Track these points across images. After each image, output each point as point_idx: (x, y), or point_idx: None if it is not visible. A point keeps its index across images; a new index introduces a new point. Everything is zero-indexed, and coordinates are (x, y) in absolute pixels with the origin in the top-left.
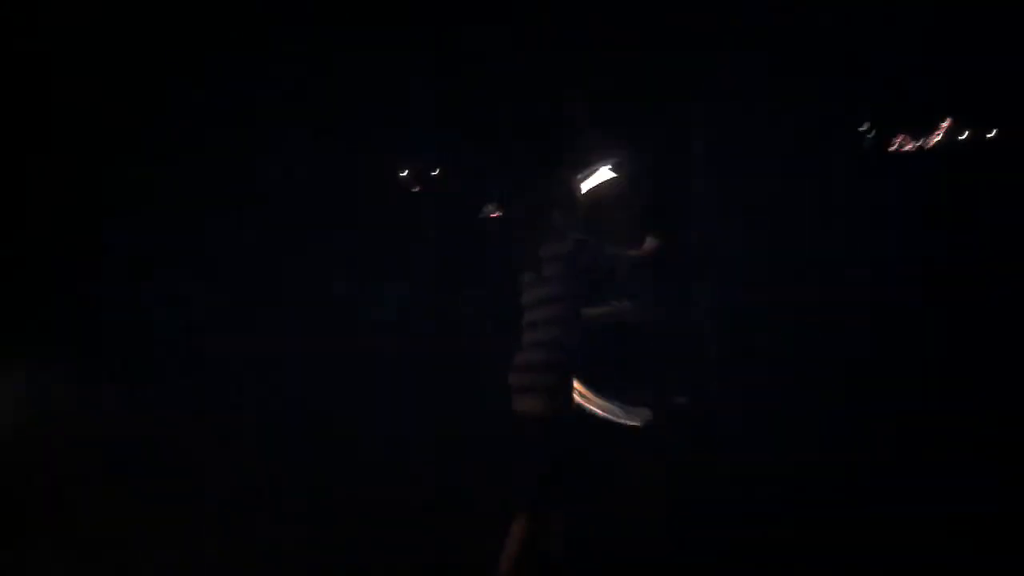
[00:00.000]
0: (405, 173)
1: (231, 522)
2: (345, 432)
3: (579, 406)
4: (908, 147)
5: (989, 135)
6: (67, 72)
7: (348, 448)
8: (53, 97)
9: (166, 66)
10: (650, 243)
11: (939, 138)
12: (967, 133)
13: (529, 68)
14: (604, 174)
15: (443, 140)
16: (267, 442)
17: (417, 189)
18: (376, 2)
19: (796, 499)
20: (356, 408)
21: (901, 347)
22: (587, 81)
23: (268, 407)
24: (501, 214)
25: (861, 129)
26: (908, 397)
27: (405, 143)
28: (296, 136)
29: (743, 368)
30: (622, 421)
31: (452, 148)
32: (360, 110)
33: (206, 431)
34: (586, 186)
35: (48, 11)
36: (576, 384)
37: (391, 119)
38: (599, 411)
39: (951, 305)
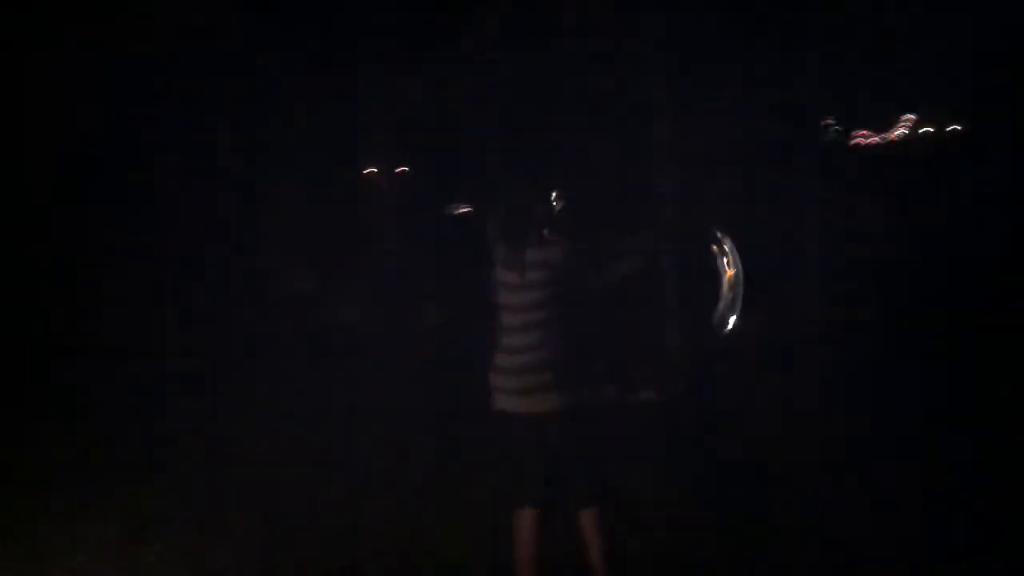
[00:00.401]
0: (371, 171)
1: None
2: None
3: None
4: (871, 141)
5: (952, 129)
6: None
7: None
8: None
9: (122, 72)
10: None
11: (902, 132)
12: (930, 128)
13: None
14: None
15: (409, 139)
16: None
17: (383, 187)
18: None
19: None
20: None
21: (864, 343)
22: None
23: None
24: (468, 212)
25: (826, 123)
26: (873, 393)
27: (370, 141)
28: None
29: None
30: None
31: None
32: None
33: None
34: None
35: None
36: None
37: (355, 116)
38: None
39: (907, 296)
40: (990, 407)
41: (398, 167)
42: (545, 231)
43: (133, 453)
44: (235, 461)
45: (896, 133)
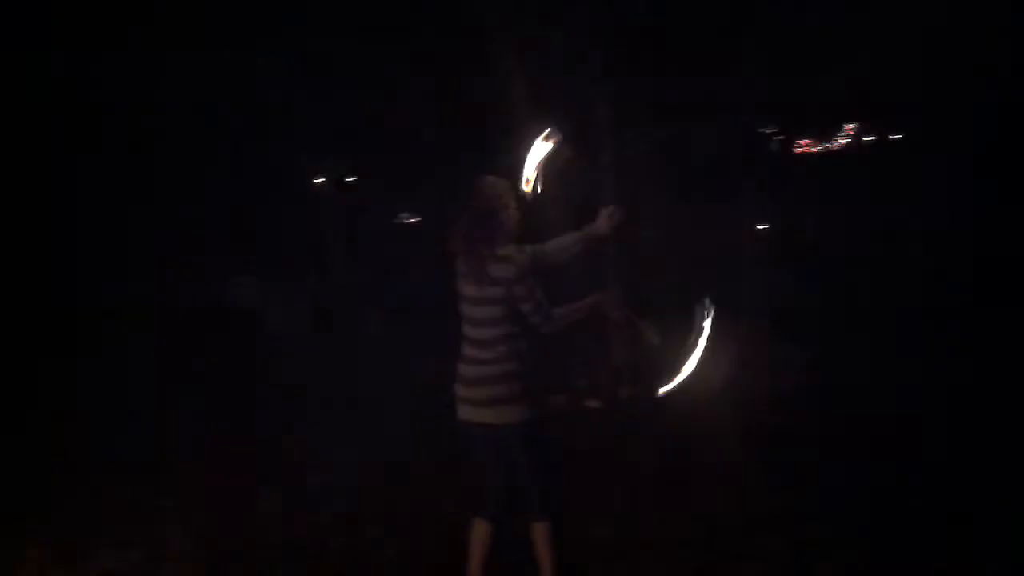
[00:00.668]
0: (321, 180)
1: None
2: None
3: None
4: (814, 149)
5: (894, 137)
6: None
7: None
8: None
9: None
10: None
11: (845, 141)
12: (872, 137)
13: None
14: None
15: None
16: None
17: (333, 195)
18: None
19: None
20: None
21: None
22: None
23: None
24: (417, 223)
25: (768, 131)
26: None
27: (321, 149)
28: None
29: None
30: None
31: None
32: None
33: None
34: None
35: None
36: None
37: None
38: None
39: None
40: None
41: (348, 176)
42: (502, 243)
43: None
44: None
45: (838, 142)
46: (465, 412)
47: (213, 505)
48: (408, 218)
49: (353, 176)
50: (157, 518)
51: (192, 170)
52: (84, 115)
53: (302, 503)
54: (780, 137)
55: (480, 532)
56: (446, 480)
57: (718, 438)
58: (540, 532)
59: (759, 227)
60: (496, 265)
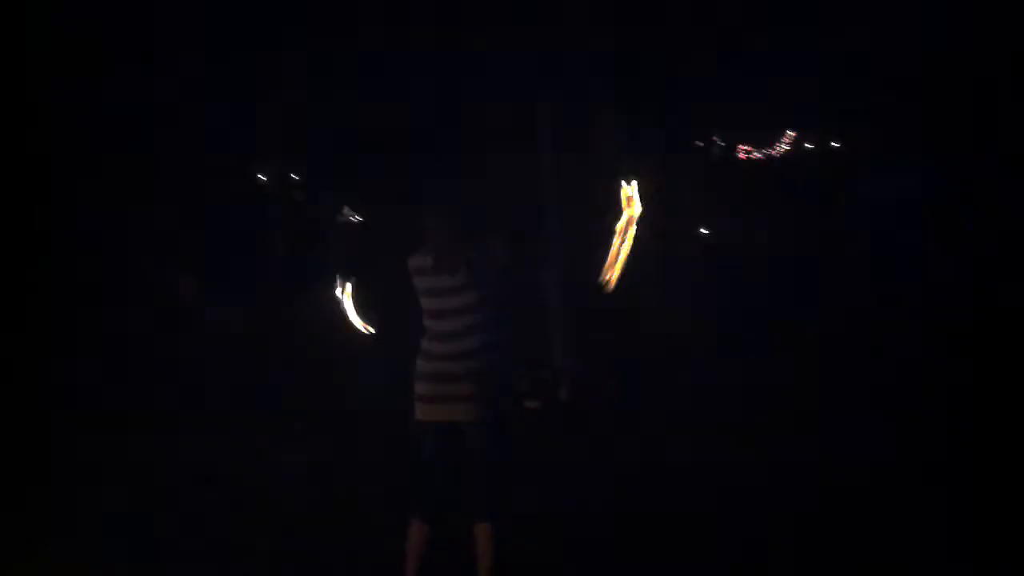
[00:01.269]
0: (263, 178)
1: None
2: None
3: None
4: (754, 156)
5: (833, 145)
6: None
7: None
8: None
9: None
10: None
11: (783, 148)
12: (810, 145)
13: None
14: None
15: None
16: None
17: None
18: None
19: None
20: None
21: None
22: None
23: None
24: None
25: (711, 140)
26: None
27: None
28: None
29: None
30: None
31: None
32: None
33: None
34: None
35: None
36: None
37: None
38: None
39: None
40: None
41: (289, 172)
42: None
43: None
44: None
45: (778, 149)
46: (429, 411)
47: None
48: (352, 216)
49: (298, 175)
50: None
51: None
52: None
53: None
54: (722, 144)
55: (418, 533)
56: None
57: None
58: (485, 533)
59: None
60: (477, 254)
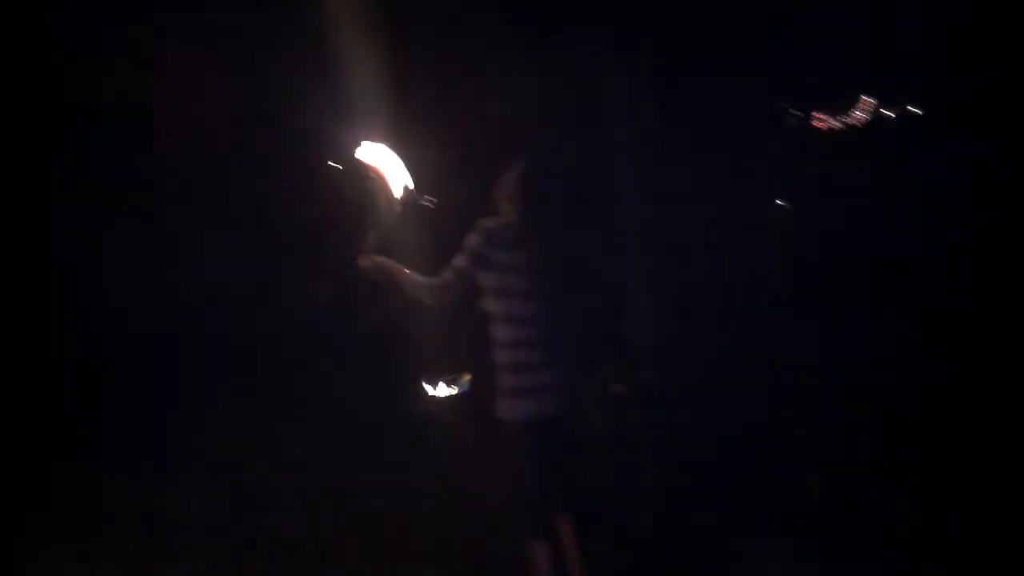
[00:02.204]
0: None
1: None
2: None
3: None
4: (832, 125)
5: (914, 112)
6: None
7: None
8: None
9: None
10: None
11: (862, 116)
12: (890, 112)
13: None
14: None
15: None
16: None
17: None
18: None
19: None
20: None
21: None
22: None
23: None
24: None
25: (785, 107)
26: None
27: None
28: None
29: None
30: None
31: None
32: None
33: None
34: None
35: None
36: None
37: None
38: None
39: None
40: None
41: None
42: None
43: None
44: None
45: (855, 117)
46: (533, 406)
47: None
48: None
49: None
50: None
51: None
52: None
53: None
54: (797, 113)
55: (546, 556)
56: None
57: None
58: (570, 525)
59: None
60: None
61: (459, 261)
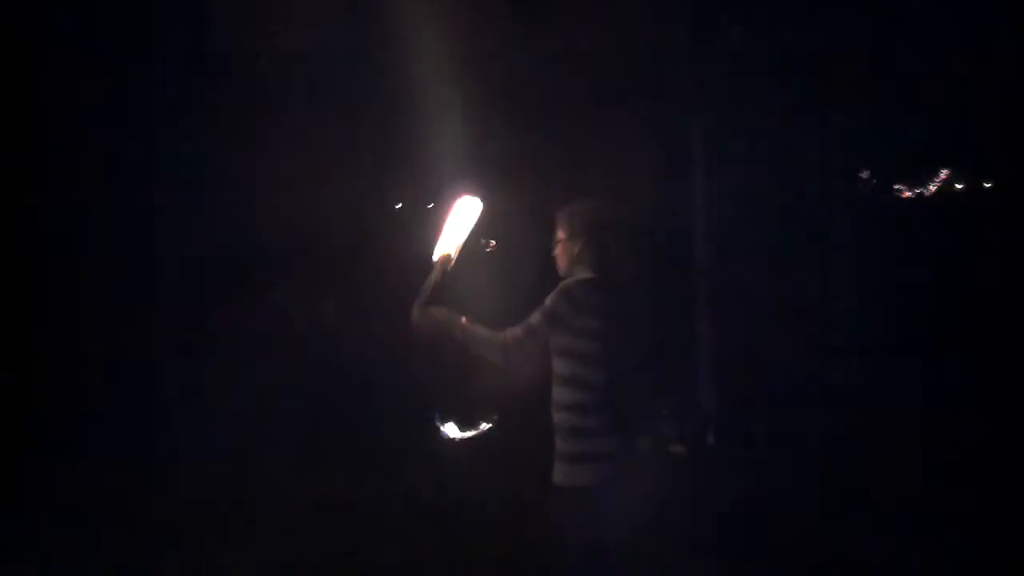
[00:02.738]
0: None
1: None
2: None
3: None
4: (906, 195)
5: (986, 185)
6: None
7: None
8: None
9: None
10: None
11: (937, 187)
12: (962, 185)
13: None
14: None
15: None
16: None
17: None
18: None
19: None
20: None
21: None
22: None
23: None
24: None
25: (862, 175)
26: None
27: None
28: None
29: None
30: None
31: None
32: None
33: None
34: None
35: None
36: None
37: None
38: None
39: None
40: None
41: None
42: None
43: None
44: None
45: (930, 189)
46: (590, 474)
47: None
48: (489, 243)
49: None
50: None
51: None
52: None
53: None
54: (873, 181)
55: None
56: None
57: None
58: None
59: None
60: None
61: (535, 320)
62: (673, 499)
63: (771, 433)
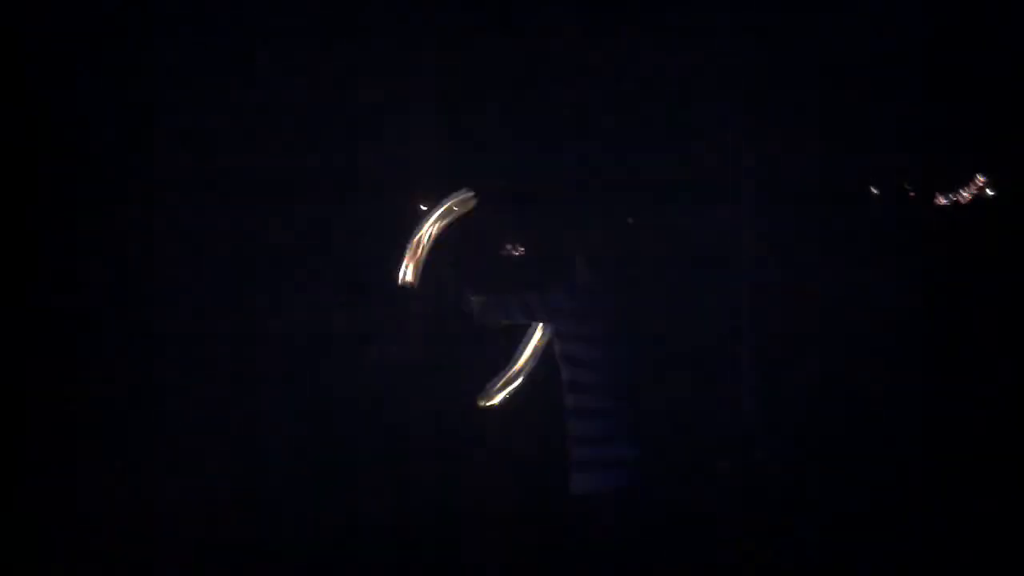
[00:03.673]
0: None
1: None
2: None
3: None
4: (942, 202)
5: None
6: None
7: None
8: None
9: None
10: None
11: (971, 194)
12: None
13: None
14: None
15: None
16: None
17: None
18: None
19: None
20: None
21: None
22: None
23: None
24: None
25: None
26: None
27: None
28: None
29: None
30: None
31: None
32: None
33: None
34: None
35: None
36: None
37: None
38: None
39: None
40: None
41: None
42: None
43: None
44: None
45: (966, 195)
46: (602, 480)
47: None
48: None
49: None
50: None
51: None
52: None
53: None
54: (911, 190)
55: None
56: None
57: None
58: None
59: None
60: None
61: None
62: (711, 515)
63: (818, 449)
